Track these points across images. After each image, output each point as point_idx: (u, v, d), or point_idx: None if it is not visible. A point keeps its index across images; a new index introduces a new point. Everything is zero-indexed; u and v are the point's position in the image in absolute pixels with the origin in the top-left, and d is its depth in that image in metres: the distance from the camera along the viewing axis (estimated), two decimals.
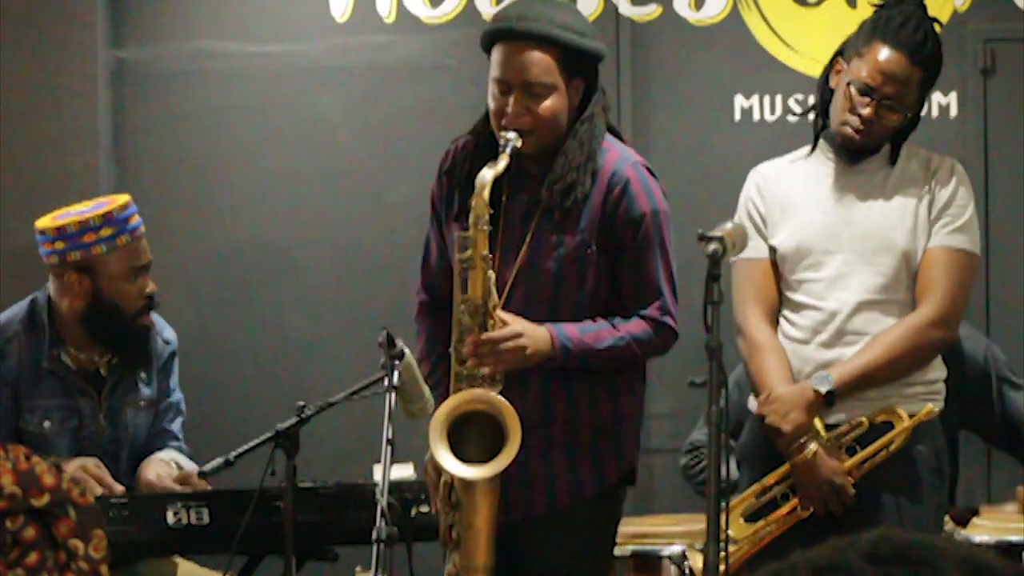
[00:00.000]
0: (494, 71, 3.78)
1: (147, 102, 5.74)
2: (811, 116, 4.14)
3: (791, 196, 4.06)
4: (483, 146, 3.83)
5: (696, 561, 4.12)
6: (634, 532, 4.61)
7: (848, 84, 3.96)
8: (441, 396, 3.78)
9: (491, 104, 3.78)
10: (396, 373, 3.63)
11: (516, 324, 3.73)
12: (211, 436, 5.17)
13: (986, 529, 4.43)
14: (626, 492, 3.98)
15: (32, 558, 3.73)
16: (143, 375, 4.58)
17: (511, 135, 3.71)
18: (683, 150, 5.54)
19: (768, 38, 5.49)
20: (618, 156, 3.83)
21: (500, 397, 3.68)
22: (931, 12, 4.07)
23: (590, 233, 3.79)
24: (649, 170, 3.86)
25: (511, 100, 3.73)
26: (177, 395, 4.69)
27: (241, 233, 5.71)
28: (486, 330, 3.72)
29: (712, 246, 3.58)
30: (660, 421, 5.54)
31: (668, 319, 3.83)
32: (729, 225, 3.76)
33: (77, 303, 4.45)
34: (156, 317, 4.67)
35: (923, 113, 4.11)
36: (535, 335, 3.73)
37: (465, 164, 3.86)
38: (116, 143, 5.72)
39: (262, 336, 5.70)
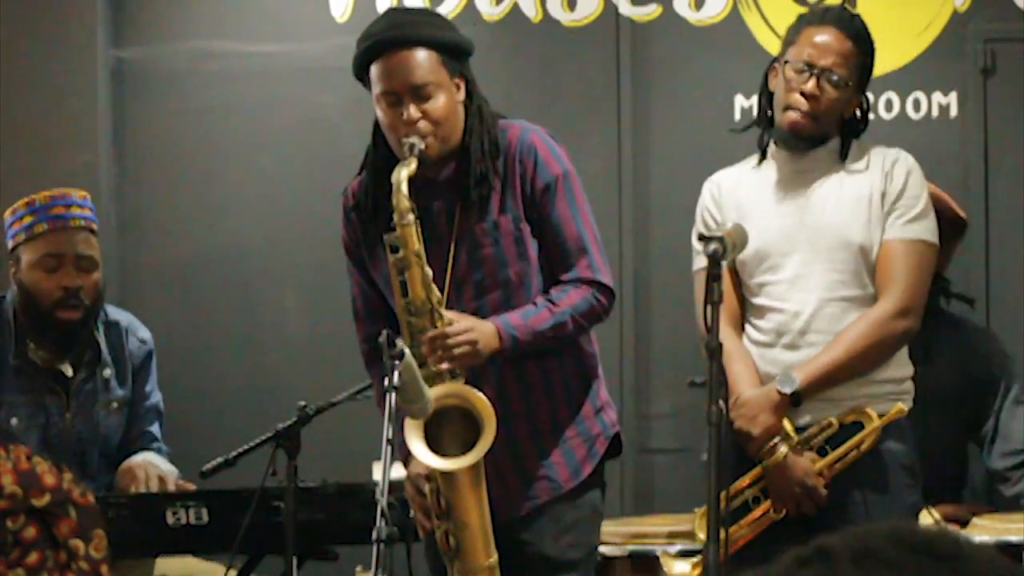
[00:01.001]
0: (378, 86, 3.79)
1: (147, 102, 5.74)
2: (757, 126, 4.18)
3: (745, 202, 4.08)
4: (380, 170, 3.84)
5: (670, 567, 4.10)
6: (633, 532, 4.60)
7: (786, 69, 4.02)
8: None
9: (384, 121, 3.80)
10: (396, 373, 3.62)
11: (463, 320, 3.74)
12: (211, 436, 5.18)
13: (986, 529, 4.43)
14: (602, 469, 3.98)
15: (33, 558, 3.73)
16: (107, 374, 4.55)
17: (413, 139, 3.72)
18: (683, 150, 5.54)
19: (768, 38, 5.48)
20: (520, 129, 3.87)
21: (469, 387, 3.70)
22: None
23: (517, 208, 3.82)
24: (551, 135, 3.91)
25: (403, 109, 3.74)
26: (156, 396, 4.67)
27: (241, 233, 5.71)
28: (436, 326, 3.73)
29: (712, 246, 3.59)
30: (660, 421, 5.54)
31: (601, 276, 3.85)
32: (729, 225, 3.77)
33: (16, 289, 4.46)
34: (130, 317, 4.66)
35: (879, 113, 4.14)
36: (483, 329, 3.75)
37: (369, 193, 3.89)
38: (116, 143, 5.72)
39: (262, 336, 5.70)
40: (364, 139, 5.66)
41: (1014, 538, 4.31)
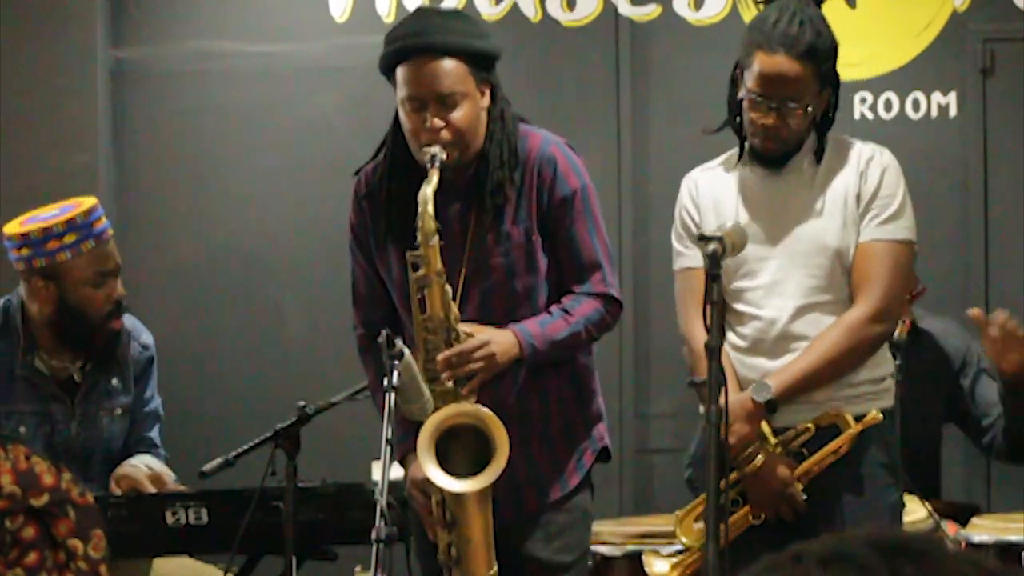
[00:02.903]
0: (403, 90, 3.77)
1: (147, 102, 5.74)
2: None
3: (721, 204, 4.04)
4: (398, 166, 3.84)
5: (651, 566, 4.09)
6: (633, 532, 4.60)
7: (745, 96, 3.93)
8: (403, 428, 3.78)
9: (406, 124, 3.79)
10: (396, 373, 3.62)
11: (482, 333, 3.75)
12: (211, 436, 5.18)
13: (985, 529, 4.43)
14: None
15: (31, 558, 3.73)
16: (116, 382, 4.55)
17: (435, 149, 3.70)
18: (683, 150, 5.54)
19: None
20: (540, 139, 3.86)
21: (483, 408, 3.69)
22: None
23: (531, 220, 3.82)
24: (571, 147, 3.90)
25: (427, 115, 3.74)
26: (156, 401, 4.67)
27: (241, 233, 5.71)
28: (451, 345, 3.73)
29: (712, 246, 3.58)
30: (660, 421, 5.54)
31: (613, 291, 3.88)
32: (729, 225, 3.75)
33: (45, 309, 4.44)
34: (134, 321, 4.65)
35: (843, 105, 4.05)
36: (501, 339, 3.75)
37: (383, 186, 3.87)
38: (116, 143, 5.72)
39: (262, 336, 5.70)
40: (364, 139, 5.66)
41: (1014, 538, 4.31)
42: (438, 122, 3.73)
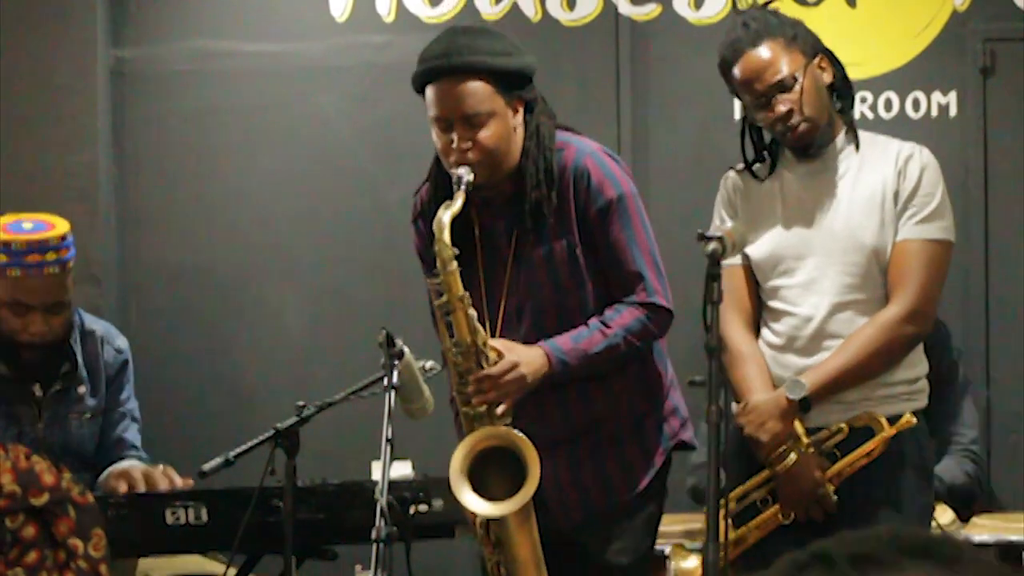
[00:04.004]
0: (431, 111, 3.80)
1: (147, 102, 5.74)
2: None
3: (760, 203, 4.05)
4: (441, 187, 3.85)
5: (679, 561, 4.10)
6: None
7: (747, 113, 4.02)
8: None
9: (437, 144, 3.81)
10: (396, 372, 3.62)
11: (511, 354, 3.77)
12: (211, 436, 5.18)
13: (986, 528, 4.43)
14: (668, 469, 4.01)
15: (32, 557, 3.73)
16: (83, 388, 4.54)
17: (462, 171, 3.72)
18: (683, 150, 5.54)
19: None
20: (575, 151, 3.86)
21: (513, 430, 3.72)
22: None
23: (572, 235, 3.83)
24: (609, 155, 3.91)
25: (454, 136, 3.75)
26: (131, 404, 4.66)
27: (240, 232, 5.71)
28: (482, 367, 3.74)
29: (712, 246, 3.59)
30: None
31: (657, 298, 3.87)
32: (729, 225, 3.76)
33: None
34: (107, 327, 4.66)
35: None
36: (530, 358, 3.77)
37: (432, 208, 3.86)
38: (116, 143, 5.72)
39: (261, 334, 5.70)
40: (364, 139, 5.68)
41: (1014, 537, 4.31)
42: (464, 143, 3.75)
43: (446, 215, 3.68)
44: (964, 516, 4.58)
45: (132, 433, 4.64)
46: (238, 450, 3.97)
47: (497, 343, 3.77)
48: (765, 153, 4.09)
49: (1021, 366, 5.28)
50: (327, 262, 5.67)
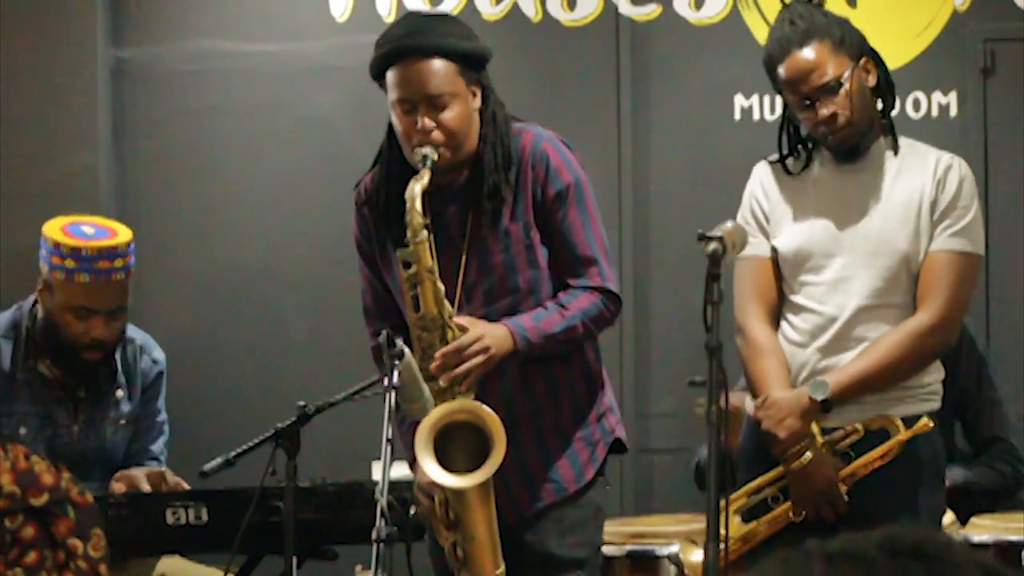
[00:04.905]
0: (394, 93, 3.79)
1: (147, 102, 5.74)
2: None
3: (793, 196, 4.04)
4: (394, 172, 3.85)
5: (687, 555, 4.11)
6: (633, 532, 4.60)
7: (790, 112, 4.00)
8: (411, 429, 3.79)
9: (398, 127, 3.80)
10: (396, 373, 3.62)
11: (475, 327, 3.75)
12: (211, 436, 5.18)
13: (986, 528, 4.42)
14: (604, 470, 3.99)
15: (31, 557, 3.73)
16: (121, 393, 4.57)
17: (426, 150, 3.72)
18: (683, 150, 5.54)
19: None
20: (533, 135, 3.87)
21: (481, 404, 3.70)
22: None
23: (528, 216, 3.83)
24: (563, 142, 3.91)
25: (418, 117, 3.75)
26: (162, 415, 4.69)
27: (241, 232, 5.71)
28: (447, 341, 3.73)
29: (712, 246, 3.58)
30: (660, 421, 5.54)
31: (610, 284, 3.87)
32: (729, 225, 3.75)
33: (41, 315, 4.47)
34: (145, 336, 4.69)
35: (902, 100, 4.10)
36: (495, 334, 3.75)
37: (381, 193, 3.87)
38: (116, 143, 5.72)
39: (262, 336, 5.70)
40: (364, 139, 5.67)
41: (1014, 537, 4.31)
42: (429, 123, 3.74)
43: (417, 187, 3.68)
44: (964, 518, 4.58)
45: (159, 445, 4.67)
46: (239, 450, 3.98)
47: (462, 319, 3.76)
48: (800, 148, 4.07)
49: (1021, 366, 5.28)
50: (327, 262, 5.67)
